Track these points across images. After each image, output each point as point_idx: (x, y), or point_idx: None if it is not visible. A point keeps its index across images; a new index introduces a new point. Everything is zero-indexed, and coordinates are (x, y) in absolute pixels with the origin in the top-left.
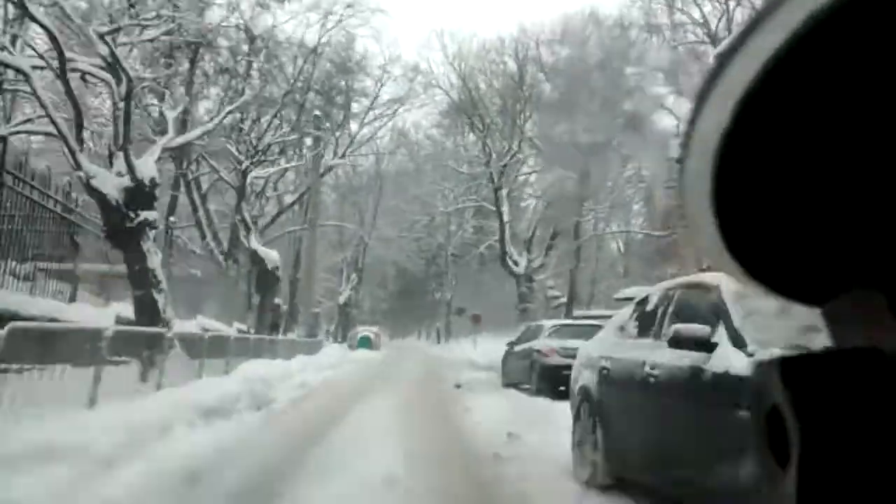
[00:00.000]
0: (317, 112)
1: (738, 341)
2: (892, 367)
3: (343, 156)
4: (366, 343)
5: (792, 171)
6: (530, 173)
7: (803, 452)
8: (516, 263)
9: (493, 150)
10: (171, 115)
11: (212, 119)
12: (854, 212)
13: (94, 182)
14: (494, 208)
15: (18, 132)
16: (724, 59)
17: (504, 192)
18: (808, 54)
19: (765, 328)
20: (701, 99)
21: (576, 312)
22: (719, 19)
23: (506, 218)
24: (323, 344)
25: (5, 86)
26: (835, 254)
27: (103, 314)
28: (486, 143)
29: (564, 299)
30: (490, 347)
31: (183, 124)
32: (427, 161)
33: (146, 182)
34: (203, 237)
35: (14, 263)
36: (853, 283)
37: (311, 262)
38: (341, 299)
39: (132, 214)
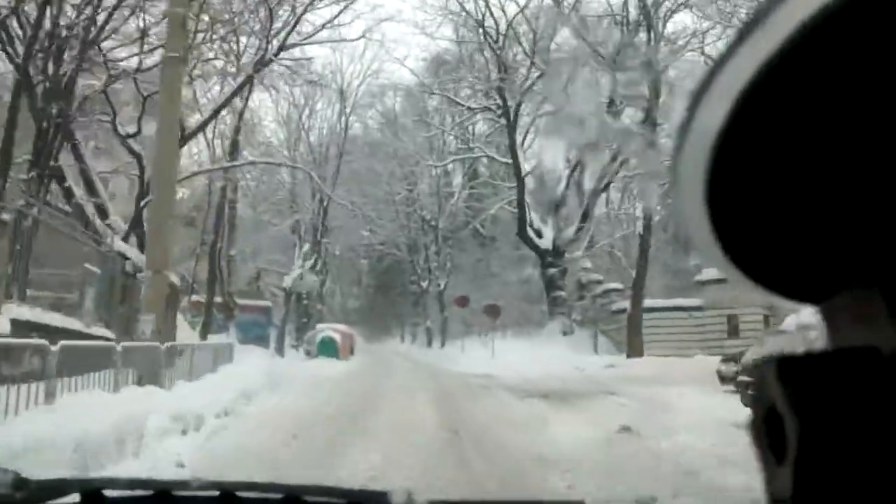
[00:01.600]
0: None
1: None
2: (889, 367)
3: (281, 48)
4: (329, 349)
5: (790, 168)
6: None
7: (800, 450)
8: (540, 235)
9: (510, 72)
10: None
11: None
12: (853, 210)
13: None
14: (508, 160)
15: None
16: (722, 57)
17: (520, 137)
18: (808, 53)
19: None
20: (697, 96)
21: (647, 302)
22: None
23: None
24: (233, 352)
25: None
26: (833, 252)
27: None
28: (501, 59)
29: (612, 285)
30: (511, 353)
31: None
32: (410, 110)
33: None
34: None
35: None
36: (851, 282)
37: (169, 155)
38: (288, 281)
39: None
